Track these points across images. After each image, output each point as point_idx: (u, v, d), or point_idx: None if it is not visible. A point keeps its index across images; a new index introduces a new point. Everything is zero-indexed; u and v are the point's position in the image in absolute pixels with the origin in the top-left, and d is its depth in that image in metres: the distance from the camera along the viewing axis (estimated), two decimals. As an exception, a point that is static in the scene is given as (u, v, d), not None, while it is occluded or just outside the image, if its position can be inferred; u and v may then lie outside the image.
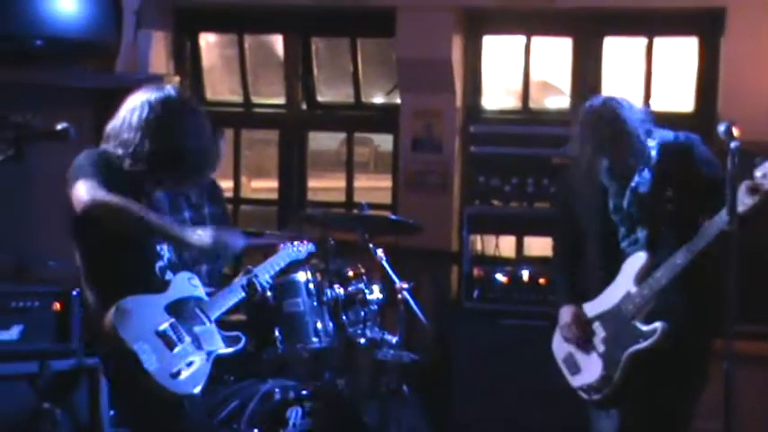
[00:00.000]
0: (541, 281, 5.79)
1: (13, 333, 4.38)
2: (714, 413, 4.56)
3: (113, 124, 3.81)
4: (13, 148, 3.40)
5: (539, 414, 5.51)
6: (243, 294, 4.30)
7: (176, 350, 3.77)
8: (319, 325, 4.94)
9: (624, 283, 3.98)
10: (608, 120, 3.89)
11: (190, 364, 3.80)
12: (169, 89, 3.90)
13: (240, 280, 4.35)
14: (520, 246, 6.36)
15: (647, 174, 3.98)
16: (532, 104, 6.53)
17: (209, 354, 3.90)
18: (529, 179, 5.83)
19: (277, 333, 4.87)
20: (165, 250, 3.87)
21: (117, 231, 3.66)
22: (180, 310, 3.83)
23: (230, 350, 4.03)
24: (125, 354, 3.61)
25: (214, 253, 4.03)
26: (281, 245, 4.93)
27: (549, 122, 6.38)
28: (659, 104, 6.13)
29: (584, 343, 4.09)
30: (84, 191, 3.60)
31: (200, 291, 3.99)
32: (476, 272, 5.88)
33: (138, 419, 3.83)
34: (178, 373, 3.75)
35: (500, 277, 5.83)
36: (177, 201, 5.17)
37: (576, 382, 4.15)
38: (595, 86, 6.26)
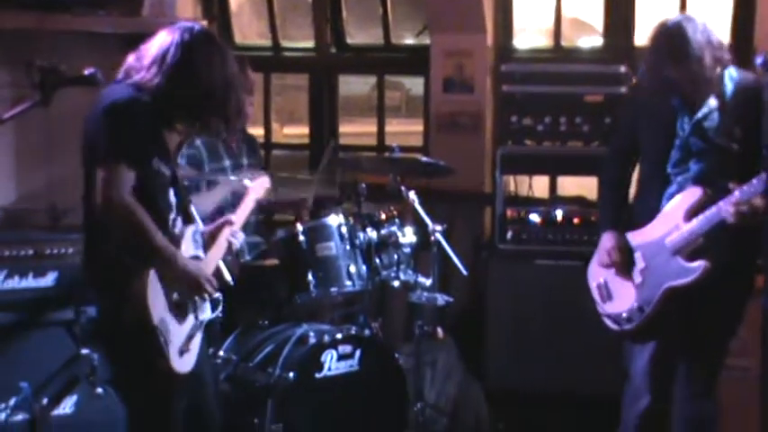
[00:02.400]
0: (575, 221, 5.74)
1: (49, 280, 4.41)
2: (749, 351, 4.59)
3: (137, 58, 3.68)
4: (41, 94, 3.39)
5: (573, 354, 5.49)
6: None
7: (185, 324, 3.70)
8: (352, 268, 4.94)
9: (673, 217, 3.90)
10: (671, 35, 3.78)
11: (192, 338, 3.74)
12: (195, 24, 3.77)
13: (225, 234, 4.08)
14: (553, 186, 6.33)
15: (715, 107, 3.88)
16: (564, 42, 6.46)
17: (201, 323, 3.82)
18: (562, 118, 5.76)
19: (310, 277, 4.87)
20: (172, 196, 3.77)
21: (122, 233, 3.55)
22: None
23: (212, 316, 3.88)
24: (146, 328, 3.52)
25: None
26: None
27: (582, 60, 6.32)
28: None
29: (622, 271, 4.05)
30: (119, 184, 3.48)
31: (200, 249, 3.88)
32: (509, 213, 5.85)
33: (132, 388, 3.76)
34: (184, 350, 3.69)
35: (534, 218, 5.79)
36: (216, 148, 5.17)
37: (606, 309, 4.12)
38: (628, 23, 6.18)
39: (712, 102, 3.85)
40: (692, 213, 3.85)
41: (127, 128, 3.54)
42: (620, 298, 4.06)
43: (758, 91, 3.85)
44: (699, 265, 3.82)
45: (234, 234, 4.07)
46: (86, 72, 3.52)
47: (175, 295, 3.64)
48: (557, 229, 5.76)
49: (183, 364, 3.69)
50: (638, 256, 4.01)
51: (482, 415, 5.51)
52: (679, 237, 3.87)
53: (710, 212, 3.79)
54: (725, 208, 3.72)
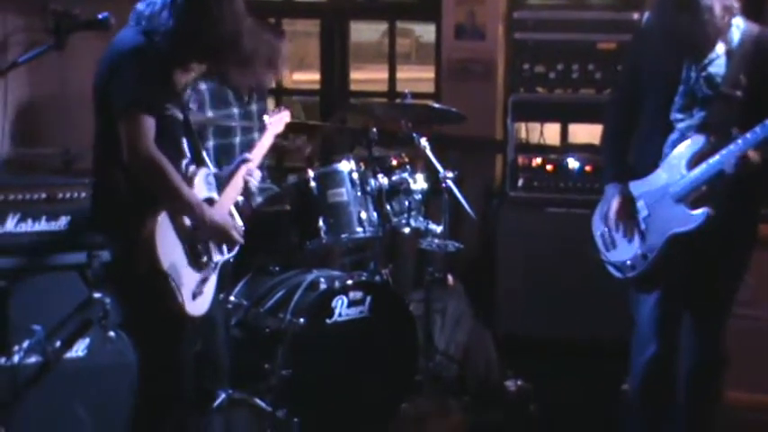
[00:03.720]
0: (587, 168, 5.74)
1: (62, 223, 4.41)
2: (760, 300, 4.61)
3: (147, 3, 3.65)
4: (55, 38, 3.38)
5: (583, 301, 5.51)
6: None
7: (198, 266, 3.72)
8: (363, 215, 4.95)
9: (676, 165, 3.91)
10: None
11: (205, 281, 3.76)
12: None
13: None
14: (565, 133, 6.31)
15: (723, 54, 3.86)
16: (577, -11, 6.41)
17: (216, 265, 3.85)
18: (574, 65, 5.73)
19: (321, 223, 4.88)
20: (185, 144, 3.78)
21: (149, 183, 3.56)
22: None
23: (229, 256, 3.92)
24: (156, 272, 3.54)
25: None
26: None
27: (594, 7, 6.25)
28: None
29: (625, 220, 4.05)
30: (143, 136, 3.50)
31: (215, 191, 3.89)
32: (520, 160, 5.84)
33: (144, 332, 3.80)
34: (198, 293, 3.72)
35: (545, 165, 5.78)
36: (225, 95, 5.15)
37: (610, 257, 4.14)
38: (642, -31, 6.13)
39: (720, 49, 3.84)
40: (695, 161, 3.86)
41: (144, 77, 3.54)
42: (623, 246, 4.08)
43: (765, 40, 3.85)
44: (702, 212, 3.83)
45: (250, 172, 4.08)
46: (99, 16, 3.51)
47: (190, 239, 3.66)
48: (568, 176, 5.76)
49: (197, 307, 3.72)
50: (641, 204, 4.02)
51: (492, 362, 5.54)
52: (682, 184, 3.88)
53: (713, 160, 3.79)
54: (726, 157, 3.73)
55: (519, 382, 5.49)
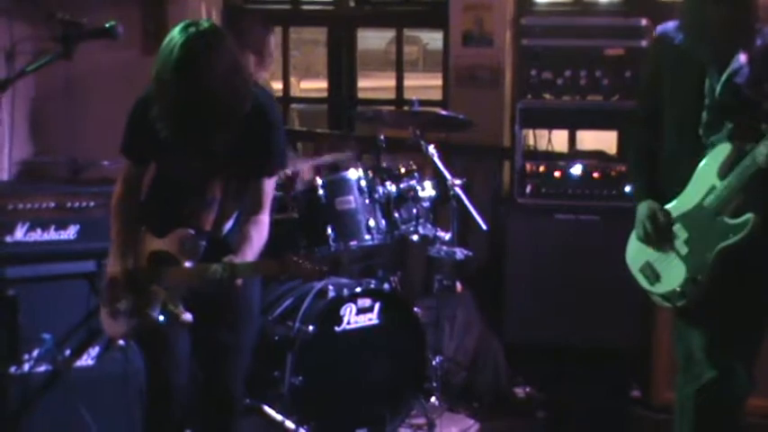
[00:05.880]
0: (595, 175, 5.72)
1: (71, 233, 4.43)
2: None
3: None
4: (62, 47, 3.39)
5: (591, 308, 5.50)
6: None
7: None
8: (372, 222, 4.95)
9: (707, 179, 3.72)
10: None
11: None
12: (193, 29, 3.31)
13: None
14: (572, 140, 6.30)
15: (745, 62, 3.68)
16: (584, -5, 6.41)
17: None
18: (582, 72, 5.72)
19: (329, 231, 4.88)
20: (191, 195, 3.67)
21: None
22: None
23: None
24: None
25: None
26: None
27: (602, 13, 6.27)
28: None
29: (664, 244, 3.82)
30: (119, 180, 3.71)
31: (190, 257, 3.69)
32: (528, 167, 5.83)
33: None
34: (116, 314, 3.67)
35: (553, 172, 5.78)
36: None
37: (656, 290, 3.87)
38: (649, -25, 6.14)
39: (742, 57, 3.72)
40: (726, 169, 3.67)
41: (128, 125, 3.60)
42: (668, 274, 3.82)
43: None
44: (748, 217, 3.63)
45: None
46: (107, 24, 3.52)
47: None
48: (576, 183, 5.74)
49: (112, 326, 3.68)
50: (677, 227, 3.80)
51: (500, 368, 5.54)
52: (718, 195, 3.69)
53: (745, 162, 3.61)
54: (758, 151, 3.55)
55: (527, 389, 5.49)
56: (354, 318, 4.77)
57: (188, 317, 3.49)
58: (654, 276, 3.87)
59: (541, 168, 5.80)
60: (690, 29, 3.69)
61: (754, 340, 3.84)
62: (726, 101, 3.71)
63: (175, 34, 3.27)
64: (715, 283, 3.72)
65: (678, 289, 3.79)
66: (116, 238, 3.63)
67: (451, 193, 5.13)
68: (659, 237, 3.83)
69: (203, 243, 3.59)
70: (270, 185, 3.64)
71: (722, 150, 3.69)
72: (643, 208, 3.87)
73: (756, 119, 3.64)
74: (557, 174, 5.77)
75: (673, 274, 3.81)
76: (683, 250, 3.78)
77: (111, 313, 3.62)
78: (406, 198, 5.09)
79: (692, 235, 3.77)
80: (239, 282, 3.43)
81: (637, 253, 3.94)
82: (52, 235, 4.39)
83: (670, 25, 3.84)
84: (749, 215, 3.63)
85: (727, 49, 3.65)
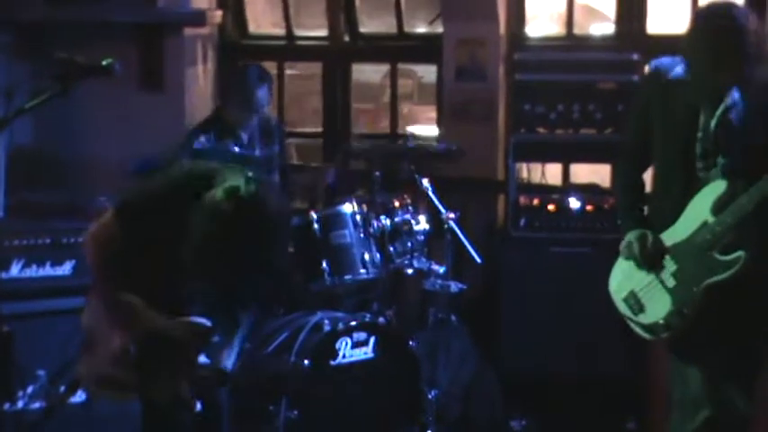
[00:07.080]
0: (588, 208, 5.75)
1: (66, 269, 4.44)
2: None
3: None
4: (60, 85, 3.41)
5: (586, 340, 5.51)
6: None
7: None
8: (366, 256, 4.97)
9: (699, 214, 3.70)
10: (729, 29, 3.52)
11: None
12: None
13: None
14: (566, 173, 6.32)
15: (740, 97, 3.67)
16: (576, 30, 6.44)
17: None
18: (574, 106, 5.76)
19: (324, 265, 4.90)
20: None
21: None
22: None
23: None
24: None
25: None
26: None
27: (594, 48, 6.33)
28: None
29: (652, 270, 3.79)
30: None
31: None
32: (522, 200, 5.86)
33: None
34: None
35: (547, 205, 5.80)
36: (225, 143, 5.19)
37: (641, 320, 3.84)
38: (640, 10, 6.18)
39: (735, 93, 3.71)
40: (720, 206, 3.66)
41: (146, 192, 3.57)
42: (653, 306, 3.80)
43: None
44: (738, 255, 3.63)
45: None
46: (104, 62, 3.54)
47: None
48: (570, 216, 5.77)
49: None
50: (667, 259, 3.78)
51: (496, 401, 5.53)
52: (710, 231, 3.67)
53: (741, 201, 3.60)
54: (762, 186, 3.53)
55: (523, 422, 5.48)
56: (350, 351, 4.77)
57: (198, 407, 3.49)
58: (638, 307, 3.85)
59: (535, 201, 5.83)
60: (692, 54, 3.64)
61: (753, 369, 3.81)
62: (719, 135, 3.69)
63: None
64: (700, 318, 3.70)
65: (662, 321, 3.78)
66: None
67: (446, 226, 5.15)
68: (647, 259, 3.80)
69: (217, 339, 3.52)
70: None
71: (717, 187, 3.68)
72: (632, 233, 3.83)
73: (753, 156, 3.65)
74: (550, 207, 5.80)
75: (658, 305, 3.79)
76: (670, 282, 3.78)
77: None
78: (401, 232, 5.11)
79: (680, 268, 3.76)
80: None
81: (621, 282, 3.92)
82: (48, 271, 4.40)
83: (663, 60, 3.86)
84: (740, 253, 3.63)
85: (730, 76, 3.60)
